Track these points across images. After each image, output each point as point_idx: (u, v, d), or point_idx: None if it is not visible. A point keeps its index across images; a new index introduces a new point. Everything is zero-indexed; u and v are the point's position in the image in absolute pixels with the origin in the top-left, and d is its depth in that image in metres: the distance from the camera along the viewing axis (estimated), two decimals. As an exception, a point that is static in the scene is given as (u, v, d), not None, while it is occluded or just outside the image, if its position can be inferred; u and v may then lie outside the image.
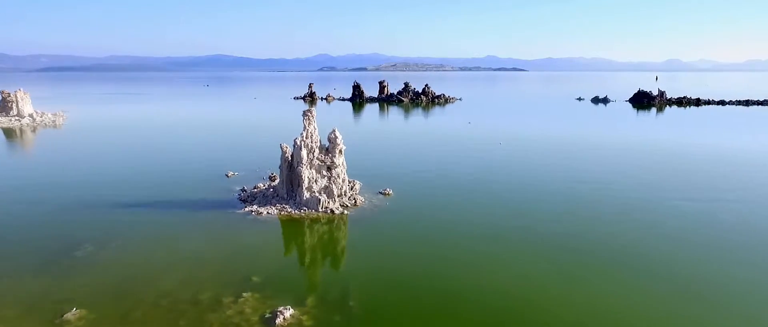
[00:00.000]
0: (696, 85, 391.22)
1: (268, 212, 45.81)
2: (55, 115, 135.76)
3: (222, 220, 43.89)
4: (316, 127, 47.81)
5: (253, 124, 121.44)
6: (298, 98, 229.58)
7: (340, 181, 48.43)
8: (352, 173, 55.79)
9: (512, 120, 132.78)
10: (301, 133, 47.16)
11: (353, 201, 49.10)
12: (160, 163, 70.55)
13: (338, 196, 48.18)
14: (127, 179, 60.70)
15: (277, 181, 52.18)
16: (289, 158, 48.44)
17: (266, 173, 62.31)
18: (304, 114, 47.34)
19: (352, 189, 51.95)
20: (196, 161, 71.97)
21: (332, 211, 45.80)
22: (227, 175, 62.03)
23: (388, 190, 53.24)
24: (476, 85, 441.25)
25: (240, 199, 50.50)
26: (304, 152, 46.72)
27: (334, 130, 48.26)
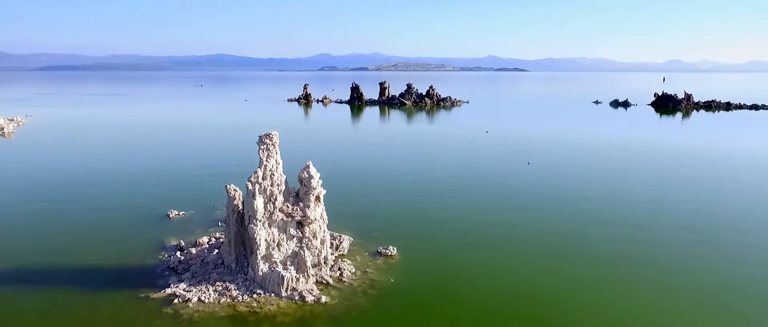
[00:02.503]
0: (702, 86, 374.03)
1: (200, 298, 28.80)
2: (10, 120, 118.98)
3: (118, 321, 26.93)
4: (279, 161, 30.84)
5: (233, 132, 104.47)
6: (292, 100, 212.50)
7: (318, 242, 31.51)
8: (340, 217, 38.94)
9: (531, 127, 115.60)
10: (256, 172, 30.19)
11: (338, 272, 32.17)
12: (91, 194, 53.57)
13: (314, 267, 31.31)
14: (28, 223, 43.70)
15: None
16: (240, 207, 31.59)
17: (224, 212, 45.41)
18: (261, 141, 30.32)
19: (336, 249, 35.03)
20: (138, 191, 54.92)
21: (303, 298, 28.82)
22: (169, 216, 45.08)
23: (391, 249, 36.21)
24: (481, 86, 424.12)
25: (168, 267, 33.53)
26: (259, 202, 29.78)
27: (307, 166, 31.28)
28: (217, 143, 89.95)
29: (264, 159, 30.01)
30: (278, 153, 30.74)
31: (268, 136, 30.30)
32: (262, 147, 30.17)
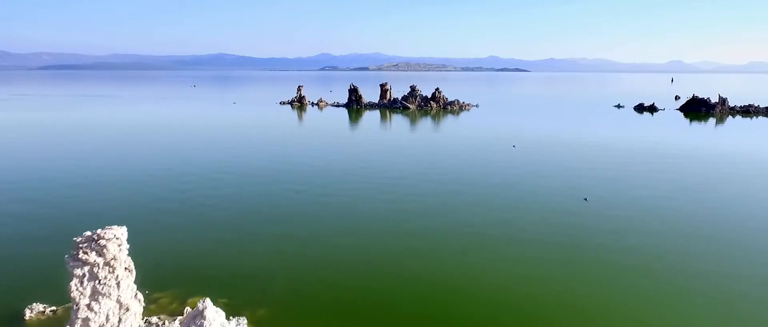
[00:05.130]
0: (709, 87, 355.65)
1: None
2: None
3: None
4: (128, 305, 12.59)
5: (199, 147, 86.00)
6: (284, 103, 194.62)
7: None
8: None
9: (560, 138, 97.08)
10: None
11: None
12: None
13: None
14: None
15: None
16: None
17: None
18: (76, 258, 12.06)
19: None
20: (3, 256, 36.65)
21: None
22: (25, 317, 26.87)
23: None
24: (485, 87, 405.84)
25: None
26: None
27: (200, 313, 13.12)
28: (169, 164, 71.24)
29: (81, 302, 11.75)
30: (121, 276, 12.37)
31: (94, 242, 11.92)
32: (77, 271, 11.85)
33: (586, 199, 49.10)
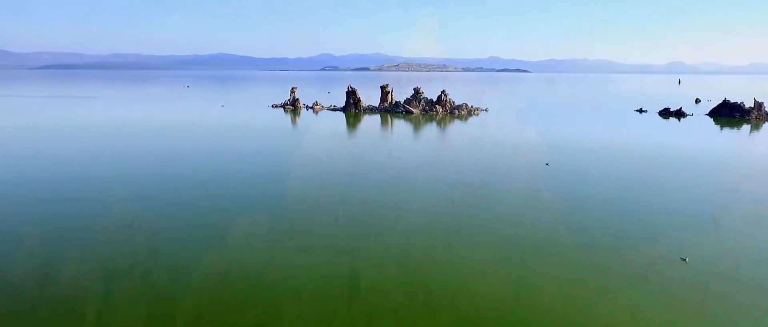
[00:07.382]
0: (714, 88, 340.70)
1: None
2: None
3: None
4: None
5: (160, 176, 70.68)
6: (277, 106, 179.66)
7: None
8: None
9: (593, 149, 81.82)
10: None
11: None
12: None
13: None
14: None
15: None
16: None
17: None
18: None
19: None
20: None
21: None
22: None
23: None
24: (490, 89, 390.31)
25: None
26: None
27: None
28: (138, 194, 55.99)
29: None
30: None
31: None
32: None
33: (685, 259, 33.78)
